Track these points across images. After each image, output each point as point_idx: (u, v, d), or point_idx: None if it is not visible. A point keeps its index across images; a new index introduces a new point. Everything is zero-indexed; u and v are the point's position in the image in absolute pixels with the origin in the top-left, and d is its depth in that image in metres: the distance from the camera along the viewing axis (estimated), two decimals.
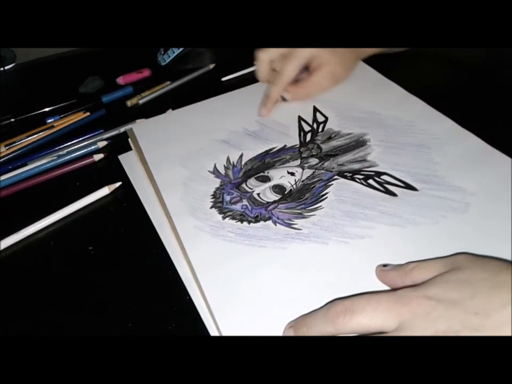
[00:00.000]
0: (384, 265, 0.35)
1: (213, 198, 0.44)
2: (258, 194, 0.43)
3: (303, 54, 0.51)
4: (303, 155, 0.47)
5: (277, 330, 0.32)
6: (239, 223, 0.41)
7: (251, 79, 0.58)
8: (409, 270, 0.32)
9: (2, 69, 0.70)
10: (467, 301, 0.27)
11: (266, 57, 0.53)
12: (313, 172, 0.45)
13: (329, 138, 0.48)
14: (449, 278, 0.29)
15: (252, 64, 0.62)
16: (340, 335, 0.29)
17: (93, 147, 0.53)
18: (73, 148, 0.54)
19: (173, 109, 0.56)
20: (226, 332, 0.33)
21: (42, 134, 0.56)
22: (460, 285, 0.28)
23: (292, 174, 0.45)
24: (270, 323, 0.33)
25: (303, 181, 0.44)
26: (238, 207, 0.42)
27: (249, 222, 0.41)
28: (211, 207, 0.43)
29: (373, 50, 0.56)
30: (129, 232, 0.43)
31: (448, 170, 0.43)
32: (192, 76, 0.63)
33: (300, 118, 0.51)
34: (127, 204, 0.46)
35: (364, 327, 0.29)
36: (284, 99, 0.53)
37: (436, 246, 0.36)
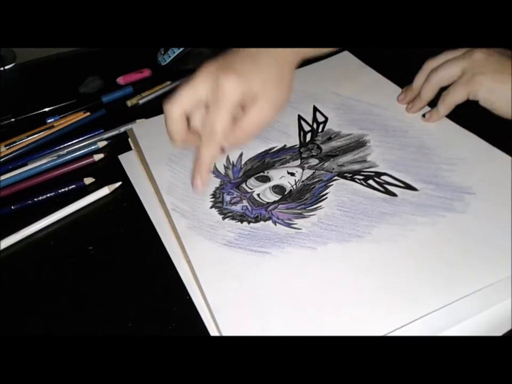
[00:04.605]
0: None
1: (212, 197, 0.44)
2: (258, 194, 0.43)
3: (232, 98, 0.37)
4: (303, 155, 0.47)
5: (276, 330, 0.33)
6: (239, 223, 0.41)
7: None
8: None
9: (2, 69, 0.70)
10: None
11: (178, 110, 0.39)
12: (313, 173, 0.45)
13: (329, 139, 0.48)
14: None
15: None
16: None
17: (93, 147, 0.53)
18: (73, 147, 0.54)
19: None
20: (226, 332, 0.33)
21: (42, 134, 0.56)
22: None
23: (292, 174, 0.45)
24: (270, 323, 0.33)
25: (303, 181, 0.44)
26: (238, 208, 0.42)
27: (249, 222, 0.41)
28: (211, 207, 0.43)
29: (303, 53, 0.44)
30: (129, 232, 0.43)
31: (448, 171, 0.43)
32: None
33: (300, 118, 0.51)
34: (127, 204, 0.46)
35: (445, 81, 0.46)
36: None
37: (435, 245, 0.36)
